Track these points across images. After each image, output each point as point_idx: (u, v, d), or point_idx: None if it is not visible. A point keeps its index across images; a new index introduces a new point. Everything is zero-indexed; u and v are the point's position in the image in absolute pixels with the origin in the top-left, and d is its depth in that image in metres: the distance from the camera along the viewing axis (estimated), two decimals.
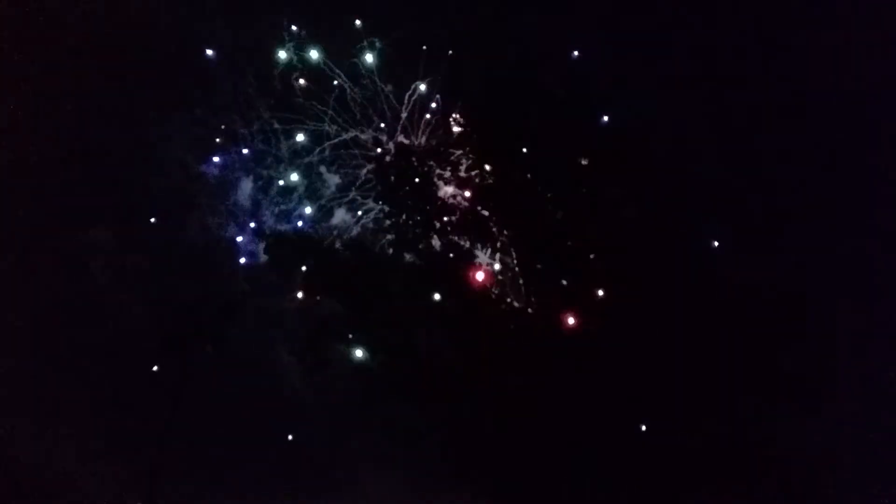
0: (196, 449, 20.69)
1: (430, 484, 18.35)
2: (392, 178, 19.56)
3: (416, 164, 19.78)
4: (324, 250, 20.04)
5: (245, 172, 22.21)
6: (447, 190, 20.09)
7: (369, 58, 20.93)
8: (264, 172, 21.96)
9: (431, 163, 19.93)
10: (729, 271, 18.20)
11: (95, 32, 21.62)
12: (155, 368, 21.11)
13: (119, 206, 22.22)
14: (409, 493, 18.68)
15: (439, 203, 19.74)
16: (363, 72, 21.18)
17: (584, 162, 19.02)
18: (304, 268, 19.90)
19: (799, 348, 17.44)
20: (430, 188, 19.85)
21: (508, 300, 19.73)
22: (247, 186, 22.36)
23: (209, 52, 21.88)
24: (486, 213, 19.72)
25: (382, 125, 21.04)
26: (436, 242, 19.84)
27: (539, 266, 19.20)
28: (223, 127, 21.96)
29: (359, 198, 20.92)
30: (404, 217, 19.78)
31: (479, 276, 18.95)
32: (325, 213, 21.09)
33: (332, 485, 20.72)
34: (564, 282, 18.80)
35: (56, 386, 20.90)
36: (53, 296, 21.32)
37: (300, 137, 21.49)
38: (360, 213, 20.83)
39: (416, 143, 20.47)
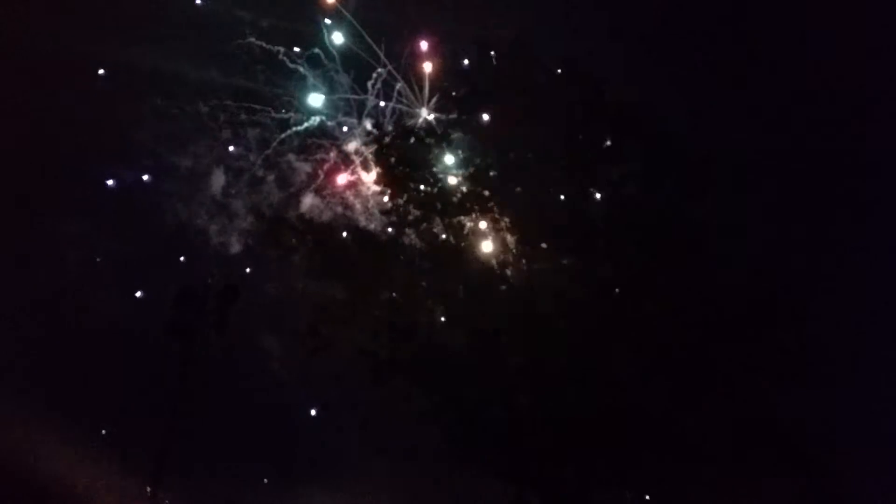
0: (201, 435, 20.79)
1: (435, 464, 18.53)
2: (392, 159, 19.25)
3: (415, 145, 19.49)
4: (324, 233, 19.85)
5: (216, 163, 22.06)
6: (445, 170, 19.93)
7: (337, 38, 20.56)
8: (235, 164, 21.86)
9: (431, 143, 19.67)
10: (729, 250, 18.21)
11: (60, 23, 21.25)
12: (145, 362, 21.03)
13: (90, 198, 22.10)
14: (414, 474, 18.89)
15: (440, 184, 19.52)
16: (326, 61, 20.94)
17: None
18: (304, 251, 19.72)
19: (799, 326, 17.48)
20: (430, 169, 19.61)
21: (511, 280, 19.68)
22: (219, 176, 22.25)
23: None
24: (486, 192, 19.52)
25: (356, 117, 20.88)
26: (437, 223, 19.69)
27: (542, 245, 19.08)
28: (189, 113, 21.77)
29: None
30: (405, 198, 19.55)
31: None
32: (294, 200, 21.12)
33: (337, 467, 20.95)
34: (566, 261, 18.74)
35: (51, 380, 20.93)
36: (32, 287, 21.27)
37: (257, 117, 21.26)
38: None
39: (418, 124, 20.29)
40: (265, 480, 20.80)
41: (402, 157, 19.47)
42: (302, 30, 21.21)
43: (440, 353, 18.83)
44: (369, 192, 20.93)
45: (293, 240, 19.58)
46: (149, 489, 20.63)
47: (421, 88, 21.66)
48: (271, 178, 21.88)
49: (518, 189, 19.37)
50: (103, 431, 20.81)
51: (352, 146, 21.84)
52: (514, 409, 18.58)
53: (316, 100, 21.46)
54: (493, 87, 18.99)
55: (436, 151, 19.79)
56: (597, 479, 18.13)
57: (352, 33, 20.95)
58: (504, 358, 18.66)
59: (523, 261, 19.29)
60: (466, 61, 19.69)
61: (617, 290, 17.98)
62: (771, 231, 18.35)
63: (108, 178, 21.92)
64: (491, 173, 19.44)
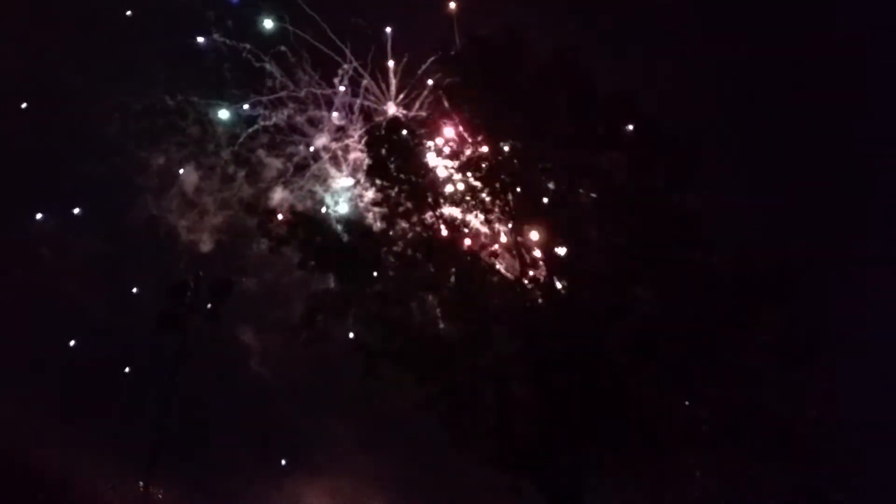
0: (195, 426, 20.78)
1: (431, 453, 18.53)
2: (383, 150, 19.29)
3: (406, 136, 19.54)
4: (317, 225, 19.85)
5: (187, 159, 22.15)
6: (438, 161, 20.00)
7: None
8: (204, 160, 21.96)
9: (422, 134, 19.75)
10: (721, 235, 18.31)
11: (27, 21, 21.40)
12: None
13: (61, 194, 22.15)
14: (410, 463, 18.90)
15: (431, 175, 19.57)
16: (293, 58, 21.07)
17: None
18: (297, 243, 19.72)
19: (792, 310, 17.56)
20: (421, 160, 19.67)
21: (502, 271, 19.72)
22: (190, 173, 22.33)
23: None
24: (478, 183, 19.58)
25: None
26: (428, 214, 19.73)
27: (532, 236, 19.13)
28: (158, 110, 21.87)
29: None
30: (396, 189, 19.59)
31: None
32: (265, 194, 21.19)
33: (331, 457, 20.93)
34: (559, 250, 18.79)
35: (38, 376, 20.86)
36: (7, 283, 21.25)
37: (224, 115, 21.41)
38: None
39: (406, 114, 20.38)
40: (256, 473, 20.70)
41: (393, 149, 19.53)
42: (268, 27, 21.36)
43: (433, 343, 18.85)
44: (361, 183, 20.97)
45: (285, 232, 19.55)
46: (141, 484, 20.62)
47: (388, 84, 21.85)
48: (241, 173, 21.98)
49: (508, 179, 19.39)
50: (93, 426, 20.69)
51: (320, 141, 21.97)
52: (507, 397, 18.59)
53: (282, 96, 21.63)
54: (482, 78, 19.02)
55: (426, 143, 19.85)
56: (591, 466, 18.11)
57: (317, 30, 21.12)
58: (496, 347, 18.68)
59: (514, 250, 19.32)
60: (455, 52, 19.60)
61: (608, 277, 17.95)
62: (762, 215, 18.46)
63: (78, 175, 21.95)
64: (482, 164, 19.47)
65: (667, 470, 17.82)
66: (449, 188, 19.66)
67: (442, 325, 19.23)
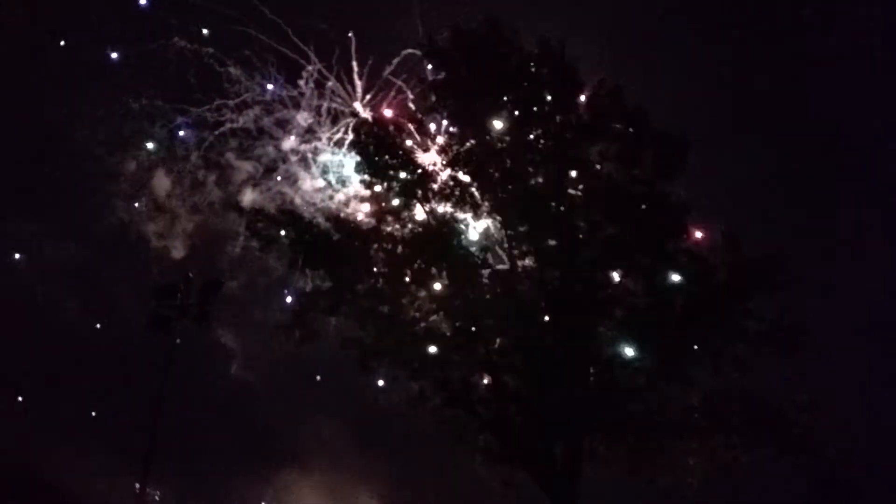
0: (187, 428, 20.80)
1: (426, 448, 18.66)
2: (371, 147, 19.25)
3: (394, 132, 19.51)
4: (305, 224, 19.81)
5: (156, 164, 22.11)
6: (426, 157, 19.97)
7: None
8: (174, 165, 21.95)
9: (410, 130, 19.71)
10: (708, 224, 18.46)
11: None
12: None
13: (35, 199, 22.07)
14: (405, 457, 19.01)
15: (420, 171, 19.53)
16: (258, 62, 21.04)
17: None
18: (286, 241, 19.71)
19: (780, 298, 17.71)
20: (409, 156, 19.63)
21: (493, 264, 19.77)
22: (160, 177, 22.30)
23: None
24: (467, 178, 19.57)
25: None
26: (418, 210, 19.73)
27: (523, 229, 19.16)
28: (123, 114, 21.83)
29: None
30: (385, 186, 19.57)
31: None
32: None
33: (325, 454, 21.01)
34: (551, 242, 18.82)
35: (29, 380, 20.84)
36: None
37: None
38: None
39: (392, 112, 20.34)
40: (250, 469, 20.78)
41: (381, 146, 19.48)
42: (231, 31, 21.41)
43: (425, 337, 18.90)
44: (332, 185, 21.06)
45: (273, 231, 19.52)
46: (137, 485, 20.68)
47: (353, 86, 21.89)
48: (212, 177, 22.03)
49: (497, 174, 19.39)
50: (87, 428, 20.70)
51: (288, 144, 22.03)
52: (500, 390, 18.70)
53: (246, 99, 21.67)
54: (468, 71, 18.97)
55: (415, 138, 19.84)
56: (585, 457, 18.26)
57: (280, 34, 21.17)
58: (489, 340, 18.76)
59: (504, 244, 19.37)
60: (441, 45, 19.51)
61: (598, 268, 18.04)
62: (751, 205, 18.60)
63: (51, 179, 21.94)
64: (470, 159, 19.44)
65: (659, 459, 17.96)
66: (438, 183, 19.58)
67: (434, 318, 19.26)
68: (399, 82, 21.21)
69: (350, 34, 20.92)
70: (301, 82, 21.50)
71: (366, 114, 21.04)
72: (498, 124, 19.15)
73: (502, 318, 18.74)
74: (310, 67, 21.32)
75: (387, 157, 19.48)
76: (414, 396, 18.78)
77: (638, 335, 17.96)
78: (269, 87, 21.27)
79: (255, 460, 20.62)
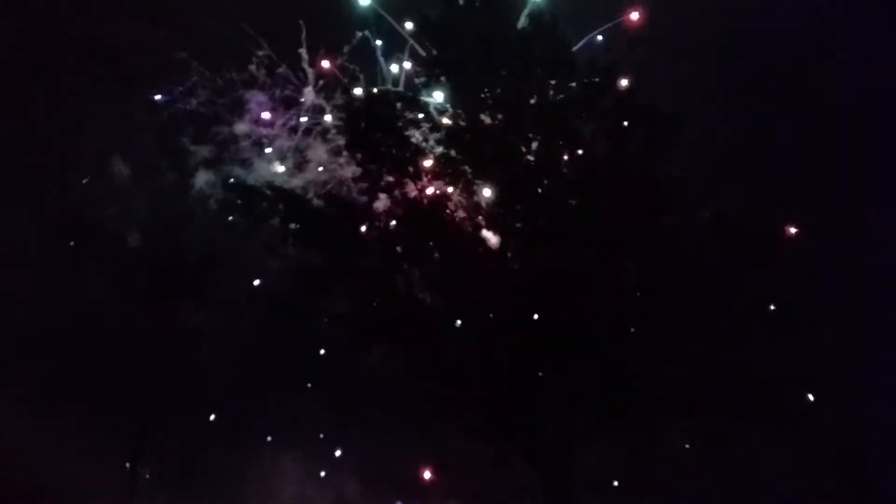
0: (182, 408, 20.78)
1: (417, 423, 18.68)
2: (363, 124, 19.15)
3: (386, 109, 19.41)
4: (297, 201, 19.76)
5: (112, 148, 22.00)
6: (419, 134, 19.90)
7: None
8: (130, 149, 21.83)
9: (401, 106, 19.61)
10: (704, 199, 18.44)
11: None
12: None
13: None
14: (397, 433, 19.03)
15: (412, 148, 19.46)
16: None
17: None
18: (278, 219, 19.65)
19: (774, 273, 17.74)
20: (401, 133, 19.54)
21: (485, 241, 19.73)
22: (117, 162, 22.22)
23: None
24: (458, 155, 19.50)
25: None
26: (410, 188, 19.67)
27: (516, 207, 19.13)
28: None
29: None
30: (377, 163, 19.49)
31: None
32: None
33: (318, 431, 21.02)
34: (544, 220, 18.79)
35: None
36: None
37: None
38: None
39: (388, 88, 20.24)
40: (246, 448, 20.74)
41: (372, 122, 19.39)
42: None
43: (418, 315, 18.90)
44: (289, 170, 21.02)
45: (265, 207, 19.46)
46: (128, 464, 20.67)
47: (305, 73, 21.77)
48: (166, 162, 21.92)
49: (490, 150, 19.32)
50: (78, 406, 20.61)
51: (241, 127, 21.94)
52: (493, 367, 18.71)
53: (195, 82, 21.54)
54: (460, 46, 18.87)
55: (407, 115, 19.72)
56: (577, 434, 18.33)
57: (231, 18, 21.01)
58: (481, 317, 18.76)
59: (497, 221, 19.31)
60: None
61: (590, 245, 18.02)
62: (745, 181, 18.61)
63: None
64: (463, 135, 19.38)
65: (649, 433, 18.02)
66: (430, 161, 19.53)
67: (427, 297, 19.25)
68: (353, 67, 21.07)
69: (301, 21, 20.76)
70: (251, 67, 21.36)
71: (357, 90, 20.82)
72: (490, 102, 19.07)
73: (494, 296, 18.75)
74: (260, 53, 21.21)
75: (378, 134, 19.43)
76: (406, 373, 18.79)
77: (630, 312, 18.01)
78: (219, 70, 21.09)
79: (236, 435, 20.59)
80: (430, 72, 19.59)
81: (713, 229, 18.40)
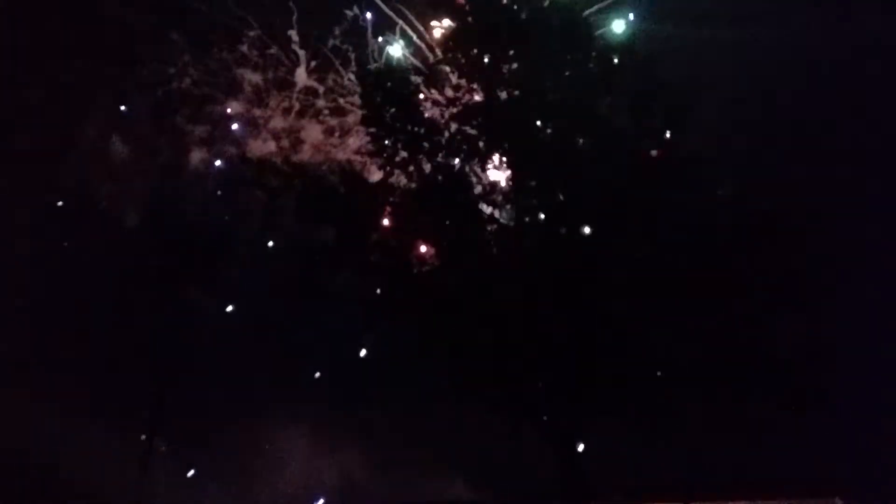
0: (194, 392, 20.86)
1: (432, 399, 18.73)
2: (378, 98, 19.12)
3: (402, 83, 19.37)
4: (311, 176, 19.77)
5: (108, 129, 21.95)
6: (435, 110, 19.84)
7: None
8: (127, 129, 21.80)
9: (418, 81, 19.56)
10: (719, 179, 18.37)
11: None
12: None
13: None
14: (412, 408, 19.09)
15: (427, 123, 19.42)
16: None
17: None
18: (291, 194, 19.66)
19: (790, 250, 17.66)
20: (416, 108, 19.51)
21: (500, 219, 19.70)
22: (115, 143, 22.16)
23: None
24: (474, 132, 19.46)
25: None
26: (425, 164, 19.63)
27: (531, 183, 19.09)
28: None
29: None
30: (392, 139, 19.46)
31: None
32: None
33: (332, 407, 21.08)
34: (561, 196, 18.73)
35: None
36: None
37: None
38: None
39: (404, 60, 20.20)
40: (260, 431, 20.85)
41: (388, 97, 19.36)
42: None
43: (432, 290, 18.91)
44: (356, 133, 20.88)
45: (277, 182, 19.51)
46: (144, 437, 20.80)
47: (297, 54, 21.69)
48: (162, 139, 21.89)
49: (505, 127, 19.27)
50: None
51: (234, 107, 21.88)
52: (506, 344, 18.71)
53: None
54: (478, 21, 18.80)
55: (423, 90, 19.68)
56: (591, 410, 18.34)
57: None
58: (496, 293, 18.74)
59: (512, 197, 19.29)
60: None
61: (606, 220, 17.99)
62: (762, 159, 18.51)
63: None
64: (479, 111, 19.32)
65: (662, 410, 17.98)
66: (446, 137, 19.47)
67: (440, 274, 19.23)
68: (346, 48, 20.96)
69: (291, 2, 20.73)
70: (243, 47, 21.30)
71: (308, 80, 20.85)
72: (506, 76, 19.00)
73: (509, 272, 18.74)
74: (251, 33, 21.15)
75: (393, 109, 19.40)
76: (418, 347, 18.83)
77: (644, 287, 17.96)
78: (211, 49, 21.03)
79: (248, 411, 20.67)
80: (446, 46, 19.46)
81: (728, 208, 18.30)
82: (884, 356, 17.71)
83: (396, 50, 20.22)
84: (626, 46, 18.48)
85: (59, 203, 21.79)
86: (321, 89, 21.36)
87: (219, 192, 21.66)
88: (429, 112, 19.77)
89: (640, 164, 18.28)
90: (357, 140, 20.78)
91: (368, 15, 20.50)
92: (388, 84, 19.33)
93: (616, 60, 18.42)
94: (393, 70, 19.58)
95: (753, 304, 17.46)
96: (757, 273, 17.52)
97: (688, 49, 18.94)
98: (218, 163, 21.65)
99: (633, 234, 18.46)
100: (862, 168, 18.77)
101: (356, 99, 20.63)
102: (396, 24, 20.59)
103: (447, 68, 19.64)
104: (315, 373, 20.76)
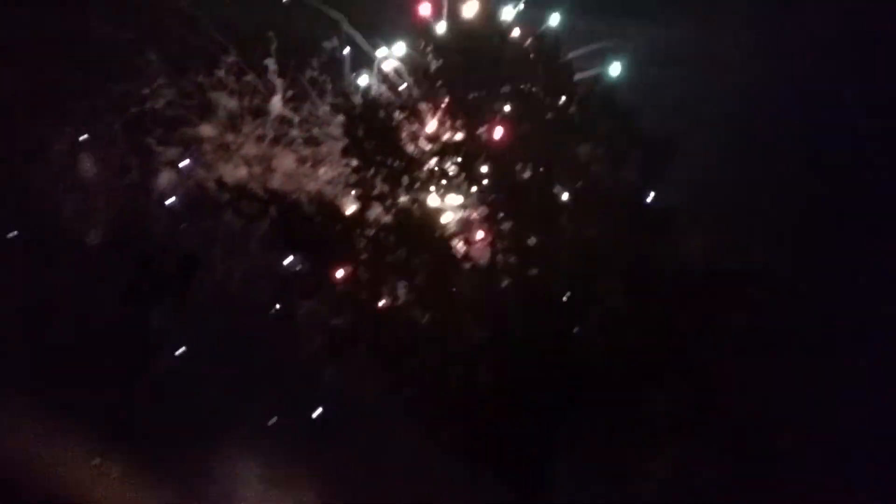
0: (161, 410, 20.36)
1: (396, 438, 18.46)
2: (360, 131, 19.15)
3: (384, 117, 19.42)
4: (289, 204, 19.65)
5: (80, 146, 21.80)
6: (414, 144, 19.87)
7: None
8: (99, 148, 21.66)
9: (399, 116, 19.62)
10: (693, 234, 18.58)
11: None
12: None
13: None
14: (375, 448, 18.77)
15: (407, 158, 19.46)
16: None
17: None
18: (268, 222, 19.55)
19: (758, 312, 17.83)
20: (397, 142, 19.55)
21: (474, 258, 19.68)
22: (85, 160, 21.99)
23: None
24: (453, 170, 19.52)
25: None
26: (403, 198, 19.61)
27: (507, 224, 19.14)
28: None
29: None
30: (372, 172, 19.46)
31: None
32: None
33: (293, 441, 20.65)
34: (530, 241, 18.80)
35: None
36: None
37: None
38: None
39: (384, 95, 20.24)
40: (223, 454, 20.30)
41: (370, 130, 19.40)
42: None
43: (402, 327, 18.79)
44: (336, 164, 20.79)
45: (255, 210, 19.39)
46: (98, 460, 20.19)
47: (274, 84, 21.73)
48: (135, 160, 21.69)
49: (484, 167, 19.36)
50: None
51: (206, 130, 21.80)
52: (474, 385, 18.58)
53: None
54: (464, 61, 18.98)
55: (405, 126, 19.73)
56: (554, 456, 18.20)
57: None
58: (465, 334, 18.67)
59: (487, 238, 19.30)
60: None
61: (578, 268, 18.04)
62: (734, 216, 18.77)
63: None
64: (460, 150, 19.39)
65: (628, 461, 17.91)
66: (425, 173, 19.51)
67: (412, 310, 19.13)
68: (324, 79, 20.97)
69: (270, 33, 20.78)
70: (220, 72, 21.29)
71: (282, 110, 20.89)
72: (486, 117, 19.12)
73: (481, 312, 18.69)
74: (228, 59, 21.17)
75: (375, 142, 19.43)
76: (384, 386, 18.61)
77: (614, 338, 17.99)
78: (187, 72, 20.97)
79: (202, 440, 20.14)
80: (432, 83, 19.57)
81: (701, 259, 18.48)
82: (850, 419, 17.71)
83: (375, 84, 20.25)
84: (608, 95, 18.66)
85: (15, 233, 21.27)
86: (296, 119, 21.27)
87: (186, 216, 21.23)
88: (409, 146, 19.79)
89: (615, 214, 18.41)
90: (331, 171, 20.66)
91: (347, 50, 20.51)
92: (371, 118, 19.34)
93: (595, 108, 18.60)
94: (376, 104, 19.56)
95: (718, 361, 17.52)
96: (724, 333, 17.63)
97: (672, 97, 19.11)
98: (188, 185, 21.33)
99: (605, 282, 18.58)
100: (840, 230, 19.00)
101: (331, 129, 20.57)
102: (374, 59, 20.58)
103: (428, 105, 19.68)
104: (276, 404, 20.32)
